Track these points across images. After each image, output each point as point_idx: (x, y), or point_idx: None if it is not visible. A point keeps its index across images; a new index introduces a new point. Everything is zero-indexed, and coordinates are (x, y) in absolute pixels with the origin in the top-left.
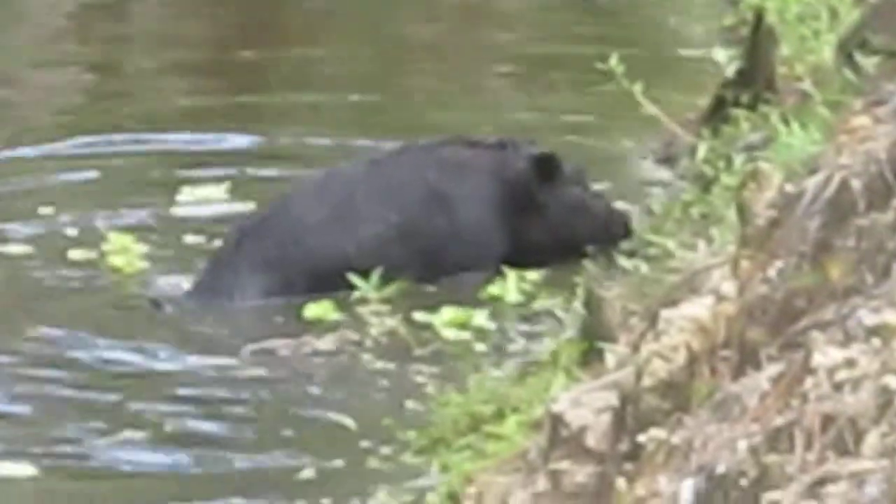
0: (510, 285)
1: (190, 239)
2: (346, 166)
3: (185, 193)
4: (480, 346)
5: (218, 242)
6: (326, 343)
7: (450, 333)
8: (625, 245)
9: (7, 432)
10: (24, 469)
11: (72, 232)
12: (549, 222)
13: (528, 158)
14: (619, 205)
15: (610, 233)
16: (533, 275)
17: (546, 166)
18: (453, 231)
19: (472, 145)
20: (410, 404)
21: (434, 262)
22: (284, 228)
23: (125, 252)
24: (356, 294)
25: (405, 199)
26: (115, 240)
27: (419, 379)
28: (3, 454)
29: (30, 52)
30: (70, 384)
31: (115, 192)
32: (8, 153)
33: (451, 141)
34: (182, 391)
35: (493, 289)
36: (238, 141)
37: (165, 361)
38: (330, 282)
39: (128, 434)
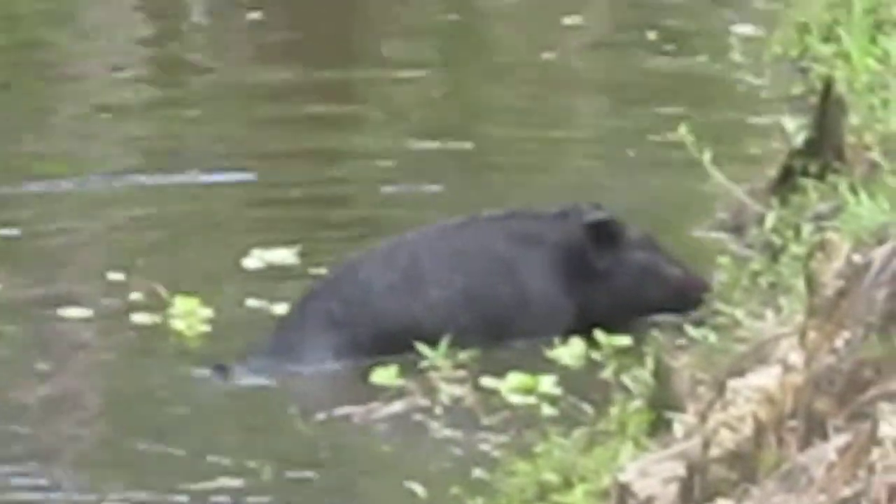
0: (575, 351)
1: (253, 303)
2: (414, 234)
3: (255, 256)
4: (548, 411)
5: (283, 307)
6: (396, 409)
7: (516, 399)
8: (694, 315)
9: None
10: None
11: (136, 295)
12: (612, 288)
13: (584, 226)
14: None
15: (686, 298)
16: (603, 338)
17: (603, 231)
18: (518, 299)
19: (536, 216)
20: (478, 472)
21: (499, 331)
22: (352, 291)
23: (189, 316)
24: (425, 362)
25: (472, 266)
26: (181, 303)
27: (487, 447)
28: None
29: None
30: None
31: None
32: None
33: (517, 212)
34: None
35: (559, 352)
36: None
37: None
38: (396, 345)
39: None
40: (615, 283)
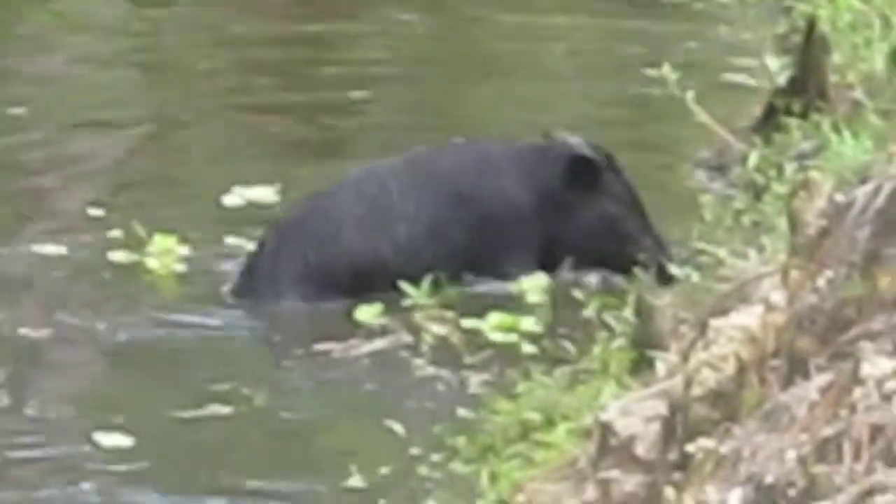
0: (539, 284)
1: (232, 241)
2: (383, 164)
3: (235, 193)
4: (528, 348)
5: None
6: (376, 346)
7: (498, 337)
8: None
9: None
10: None
11: (116, 233)
12: (571, 227)
13: (564, 159)
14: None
15: (634, 263)
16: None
17: (581, 169)
18: (483, 231)
19: (514, 143)
20: (461, 411)
21: (466, 262)
22: (323, 228)
23: (166, 254)
24: (407, 300)
25: (438, 198)
26: (159, 241)
27: (470, 386)
28: None
29: None
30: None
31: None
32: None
33: (493, 141)
34: (224, 392)
35: (523, 287)
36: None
37: (205, 368)
38: (372, 283)
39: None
40: (576, 221)
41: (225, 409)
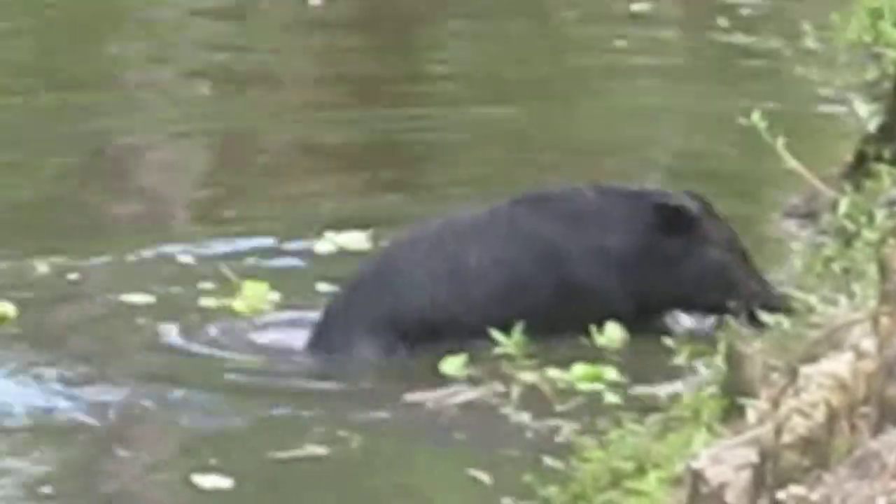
0: (614, 336)
1: (324, 288)
2: (461, 217)
3: (327, 239)
4: (611, 398)
5: None
6: (469, 395)
7: (584, 387)
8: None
9: None
10: None
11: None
12: (676, 278)
13: (658, 206)
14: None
15: (748, 307)
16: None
17: (674, 217)
18: (567, 288)
19: (603, 192)
20: (551, 460)
21: (548, 321)
22: (395, 284)
23: (256, 299)
24: (496, 350)
25: (518, 254)
26: (250, 288)
27: (560, 434)
28: None
29: None
30: None
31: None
32: None
33: (582, 188)
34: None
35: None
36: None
37: (300, 411)
38: (443, 338)
39: None
40: (677, 272)
41: (321, 450)
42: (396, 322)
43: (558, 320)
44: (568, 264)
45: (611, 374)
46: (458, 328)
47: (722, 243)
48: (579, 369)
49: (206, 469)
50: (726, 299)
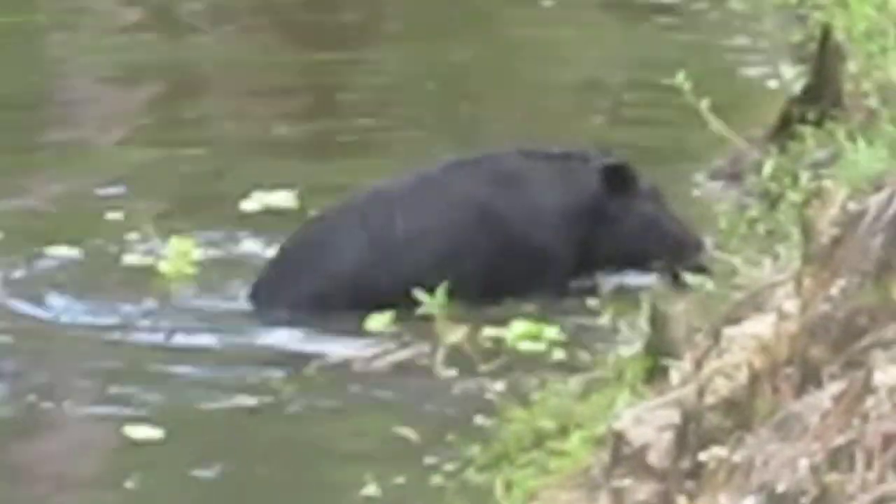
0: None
1: (248, 246)
2: (391, 184)
3: (254, 199)
4: (558, 355)
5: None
6: (397, 357)
7: (522, 346)
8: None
9: None
10: None
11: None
12: (616, 235)
13: (600, 168)
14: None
15: (680, 258)
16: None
17: (618, 177)
18: (512, 251)
19: (529, 156)
20: (477, 419)
21: (493, 284)
22: (325, 260)
23: (180, 258)
24: (421, 310)
25: (451, 221)
26: (175, 245)
27: (486, 394)
28: None
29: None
30: None
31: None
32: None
33: (508, 152)
34: (247, 400)
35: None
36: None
37: (227, 369)
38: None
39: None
40: (621, 229)
41: (251, 401)
42: (323, 299)
43: (493, 284)
44: (509, 226)
45: (551, 332)
46: (387, 301)
47: (650, 196)
48: (519, 327)
49: (137, 420)
50: (660, 251)
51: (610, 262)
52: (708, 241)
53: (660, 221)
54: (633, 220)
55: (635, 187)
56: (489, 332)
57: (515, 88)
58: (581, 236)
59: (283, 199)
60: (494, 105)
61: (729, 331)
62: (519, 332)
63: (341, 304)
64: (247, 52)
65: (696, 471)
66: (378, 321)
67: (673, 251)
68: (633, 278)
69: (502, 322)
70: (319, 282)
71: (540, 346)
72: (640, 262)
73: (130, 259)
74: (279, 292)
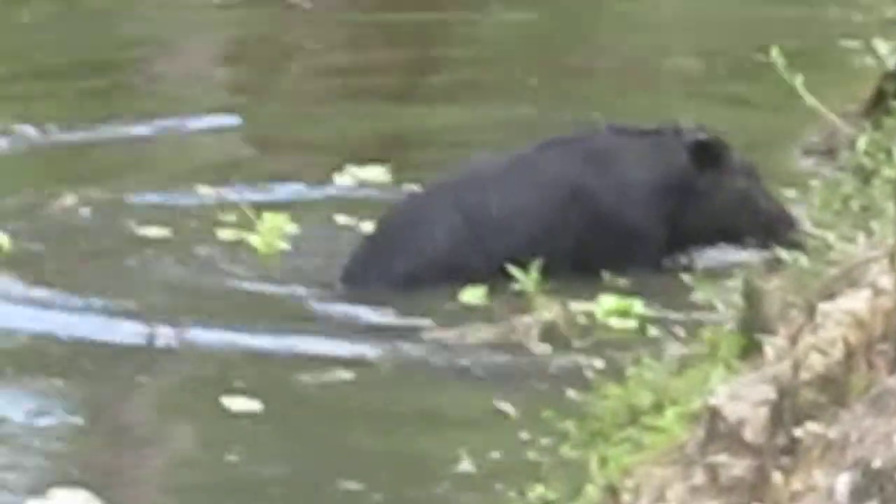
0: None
1: (343, 220)
2: (486, 164)
3: (348, 173)
4: (653, 332)
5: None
6: (490, 333)
7: (613, 322)
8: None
9: None
10: None
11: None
12: (708, 209)
13: (690, 144)
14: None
15: (773, 234)
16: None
17: (708, 152)
18: (603, 228)
19: (621, 133)
20: (572, 395)
21: (585, 262)
22: (419, 240)
23: (273, 233)
24: (516, 286)
25: (544, 200)
26: (269, 220)
27: (580, 370)
28: None
29: None
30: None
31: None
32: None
33: (599, 131)
34: (343, 374)
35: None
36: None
37: (326, 345)
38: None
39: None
40: (712, 204)
41: (348, 375)
42: (416, 279)
43: (585, 262)
44: (599, 203)
45: (638, 307)
46: (480, 281)
47: (743, 172)
48: (607, 301)
49: (234, 392)
50: (753, 227)
51: (702, 238)
52: (802, 217)
53: (752, 197)
54: (723, 196)
55: (726, 162)
56: (579, 307)
57: (605, 59)
58: (670, 212)
59: (375, 173)
60: (584, 74)
61: (823, 307)
62: (608, 308)
63: (435, 284)
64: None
65: (792, 447)
66: (472, 294)
67: (766, 227)
68: (727, 255)
69: (592, 298)
70: (413, 262)
71: (630, 322)
72: (732, 238)
73: (224, 234)
74: (372, 272)
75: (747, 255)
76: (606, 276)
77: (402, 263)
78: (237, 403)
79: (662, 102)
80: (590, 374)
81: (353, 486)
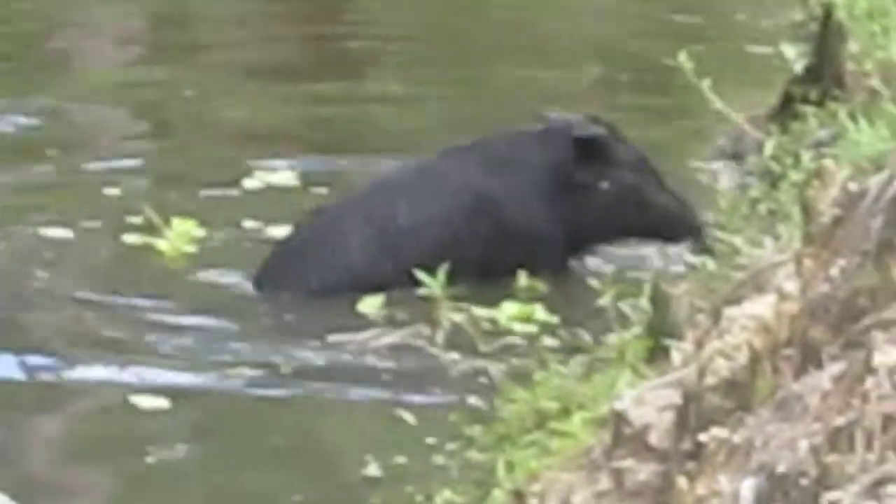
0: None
1: (249, 225)
2: (391, 176)
3: (256, 178)
4: (548, 341)
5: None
6: (394, 338)
7: (516, 327)
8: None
9: None
10: None
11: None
12: (596, 207)
13: (574, 139)
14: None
15: (671, 231)
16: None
17: (591, 147)
18: (505, 233)
19: (516, 136)
20: (476, 400)
21: (491, 269)
22: (331, 253)
23: (179, 237)
24: (419, 291)
25: (450, 208)
26: (177, 225)
27: (486, 375)
28: None
29: None
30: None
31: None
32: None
33: (495, 136)
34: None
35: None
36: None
37: (228, 353)
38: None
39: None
40: (598, 200)
41: (251, 372)
42: (331, 291)
43: (492, 269)
44: (502, 208)
45: (540, 313)
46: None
47: (632, 166)
48: (509, 308)
49: (143, 391)
50: (647, 223)
51: (599, 236)
52: (709, 221)
53: (642, 191)
54: (610, 191)
55: (612, 156)
56: (482, 312)
57: (519, 53)
58: (565, 211)
59: (284, 178)
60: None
61: (729, 311)
62: (511, 313)
63: (350, 296)
64: None
65: (697, 452)
66: (369, 304)
67: (663, 224)
68: (634, 261)
69: (490, 305)
70: (327, 274)
71: (531, 328)
72: (628, 235)
73: (130, 238)
74: (285, 284)
75: (653, 260)
76: (519, 281)
77: (316, 277)
78: (146, 401)
79: (563, 100)
80: (496, 379)
81: (261, 488)
